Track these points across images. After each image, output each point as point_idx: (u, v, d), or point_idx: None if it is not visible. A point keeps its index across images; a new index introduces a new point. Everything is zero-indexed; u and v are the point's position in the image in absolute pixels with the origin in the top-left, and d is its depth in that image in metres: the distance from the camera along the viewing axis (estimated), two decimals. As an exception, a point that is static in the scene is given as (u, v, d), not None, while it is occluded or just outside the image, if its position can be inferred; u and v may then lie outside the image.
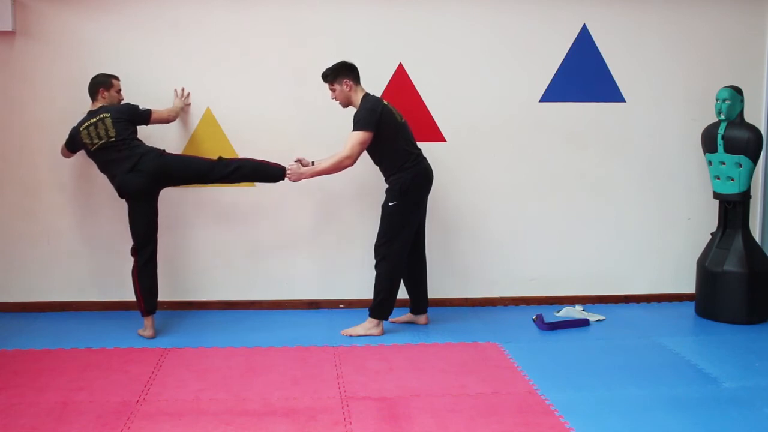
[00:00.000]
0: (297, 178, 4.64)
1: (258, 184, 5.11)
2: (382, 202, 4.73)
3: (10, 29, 4.87)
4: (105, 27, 5.00)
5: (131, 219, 4.60)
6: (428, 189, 4.71)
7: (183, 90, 5.04)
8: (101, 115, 4.55)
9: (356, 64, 4.79)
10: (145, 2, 5.01)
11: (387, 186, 4.64)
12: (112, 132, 4.51)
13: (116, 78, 4.74)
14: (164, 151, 4.66)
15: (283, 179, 4.69)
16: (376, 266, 4.69)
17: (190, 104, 5.06)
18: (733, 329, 4.88)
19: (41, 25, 4.97)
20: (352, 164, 4.56)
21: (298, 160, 4.71)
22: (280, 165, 4.68)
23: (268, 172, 4.69)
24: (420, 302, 4.93)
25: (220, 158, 4.68)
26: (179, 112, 4.98)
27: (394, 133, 4.62)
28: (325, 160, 4.63)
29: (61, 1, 4.96)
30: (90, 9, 4.98)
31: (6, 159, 5.07)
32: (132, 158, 4.49)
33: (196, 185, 5.05)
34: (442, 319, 5.02)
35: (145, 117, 4.74)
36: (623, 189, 5.43)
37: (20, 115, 5.03)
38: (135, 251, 4.63)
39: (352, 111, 4.63)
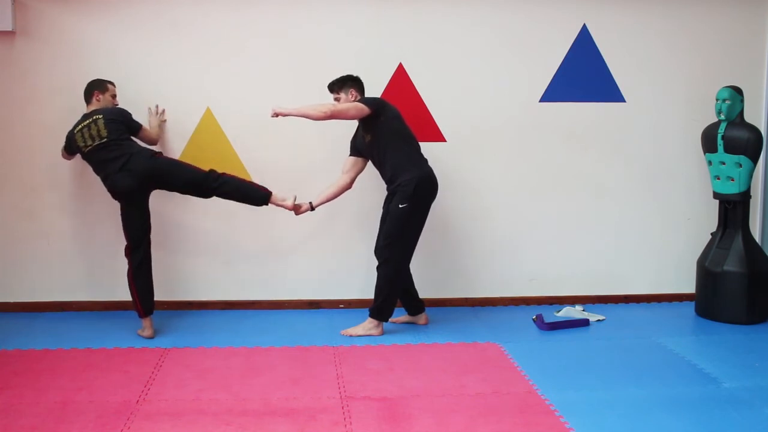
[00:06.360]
0: (279, 113, 4.40)
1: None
2: (384, 203, 4.73)
3: (10, 29, 4.87)
4: (105, 27, 5.00)
5: (124, 219, 4.60)
6: (436, 194, 4.71)
7: (158, 107, 5.02)
8: (94, 117, 4.56)
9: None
10: (144, 2, 5.01)
11: (396, 187, 4.58)
12: (104, 132, 4.51)
13: (112, 83, 4.75)
14: (159, 153, 4.66)
15: (267, 204, 4.69)
16: (379, 267, 4.68)
17: (165, 120, 5.04)
18: (733, 329, 4.88)
19: (41, 25, 4.97)
20: (329, 115, 4.43)
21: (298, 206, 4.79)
22: (266, 189, 4.69)
23: (252, 194, 4.68)
24: (414, 304, 4.92)
25: (211, 170, 4.64)
26: (159, 132, 4.97)
27: (403, 127, 4.65)
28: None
29: (61, 1, 4.96)
30: (90, 9, 4.98)
31: (6, 159, 5.07)
32: (122, 158, 4.48)
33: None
34: (442, 319, 5.02)
35: (135, 128, 4.72)
36: (623, 189, 5.43)
37: (20, 115, 5.03)
38: (129, 252, 4.62)
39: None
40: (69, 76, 4.96)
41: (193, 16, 5.04)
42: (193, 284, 5.25)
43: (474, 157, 5.28)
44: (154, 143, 4.90)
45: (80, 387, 3.83)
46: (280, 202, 4.71)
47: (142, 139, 4.80)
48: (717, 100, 5.01)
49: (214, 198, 4.73)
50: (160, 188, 4.70)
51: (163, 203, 4.98)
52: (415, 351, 4.42)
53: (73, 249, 5.17)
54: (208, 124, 5.08)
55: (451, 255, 5.35)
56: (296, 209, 4.82)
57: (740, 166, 4.93)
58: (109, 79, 4.76)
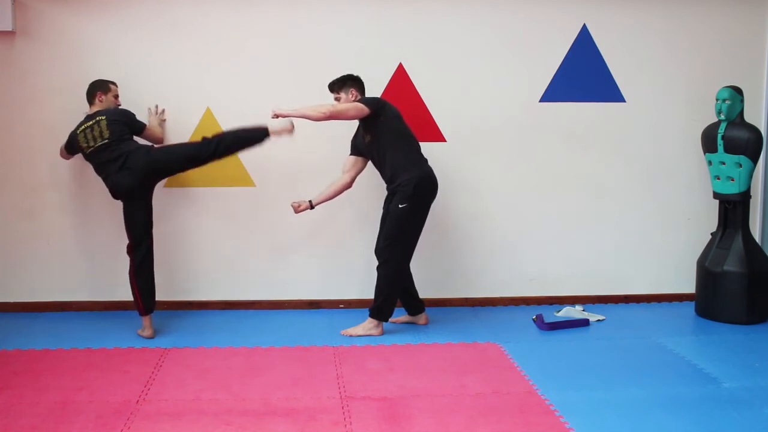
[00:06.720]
0: (279, 115, 4.42)
1: (258, 184, 5.13)
2: (384, 203, 4.74)
3: (10, 29, 4.87)
4: (105, 27, 5.00)
5: (126, 217, 4.61)
6: (436, 194, 4.71)
7: (157, 107, 5.02)
8: (97, 118, 4.56)
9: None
10: (144, 2, 5.01)
11: (396, 187, 4.58)
12: (106, 133, 4.51)
13: (114, 84, 4.75)
14: (152, 146, 4.67)
15: (269, 137, 4.57)
16: (379, 268, 4.68)
17: (165, 120, 5.04)
18: (733, 329, 4.88)
19: (41, 25, 4.97)
20: (328, 116, 4.43)
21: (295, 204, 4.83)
22: (261, 126, 4.57)
23: (251, 136, 4.61)
24: (414, 304, 4.92)
25: (204, 138, 4.63)
26: (161, 131, 4.98)
27: (403, 127, 4.65)
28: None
29: (61, 1, 4.96)
30: (90, 9, 4.98)
31: (6, 159, 5.07)
32: (120, 158, 4.49)
33: (196, 185, 5.07)
34: (442, 319, 5.02)
35: (139, 127, 4.73)
36: (623, 189, 5.43)
37: (20, 115, 5.03)
38: (131, 249, 4.63)
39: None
40: (69, 76, 4.96)
41: (193, 16, 5.04)
42: (193, 284, 5.25)
43: (474, 157, 5.28)
44: (159, 142, 4.90)
45: (80, 387, 3.83)
46: (279, 129, 4.56)
47: (147, 139, 4.80)
48: (717, 100, 5.01)
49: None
50: (163, 178, 4.72)
51: (164, 203, 4.98)
52: (415, 351, 4.42)
53: (73, 249, 5.17)
54: (208, 124, 5.08)
55: (451, 255, 5.35)
56: (296, 207, 4.82)
57: (740, 166, 4.93)
58: (111, 80, 4.76)
